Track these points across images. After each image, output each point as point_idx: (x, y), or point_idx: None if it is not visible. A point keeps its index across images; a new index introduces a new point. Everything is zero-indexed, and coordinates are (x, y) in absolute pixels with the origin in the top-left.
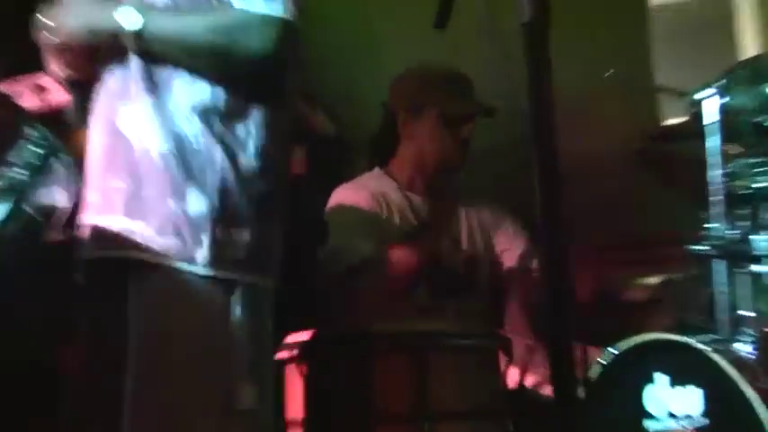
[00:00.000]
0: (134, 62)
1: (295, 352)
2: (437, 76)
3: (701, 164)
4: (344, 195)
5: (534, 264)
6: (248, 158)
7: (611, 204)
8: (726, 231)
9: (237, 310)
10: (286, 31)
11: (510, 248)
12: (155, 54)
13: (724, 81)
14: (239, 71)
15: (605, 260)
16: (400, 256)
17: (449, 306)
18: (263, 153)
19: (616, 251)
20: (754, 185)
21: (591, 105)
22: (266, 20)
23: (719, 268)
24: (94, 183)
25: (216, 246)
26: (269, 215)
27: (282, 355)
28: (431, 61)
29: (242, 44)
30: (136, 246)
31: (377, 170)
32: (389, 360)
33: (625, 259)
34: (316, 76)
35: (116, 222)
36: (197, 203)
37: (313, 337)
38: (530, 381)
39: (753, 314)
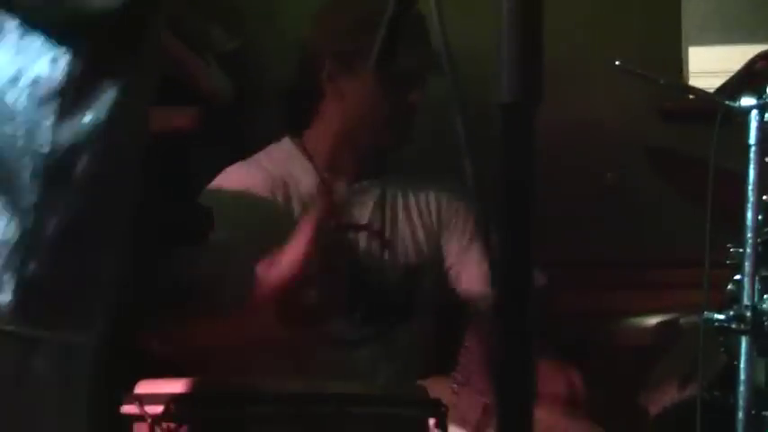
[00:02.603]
0: None
1: (151, 408)
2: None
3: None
4: (233, 177)
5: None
6: (86, 160)
7: (604, 207)
8: (758, 297)
9: (38, 374)
10: None
11: (467, 259)
12: None
13: None
14: (70, 26)
15: (585, 285)
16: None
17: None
18: (109, 153)
19: (603, 273)
20: None
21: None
22: None
23: (744, 347)
24: None
25: (24, 290)
26: (110, 242)
27: (130, 409)
28: None
29: None
30: None
31: (286, 141)
32: None
33: (616, 286)
34: None
35: None
36: (6, 226)
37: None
38: None
39: None
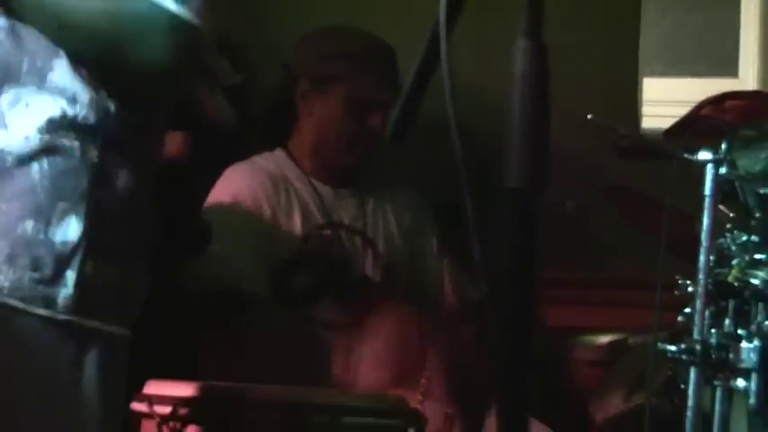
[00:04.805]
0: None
1: (160, 408)
2: (356, 45)
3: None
4: (235, 177)
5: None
6: (128, 175)
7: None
8: (706, 331)
9: (91, 368)
10: (191, 40)
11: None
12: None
13: (724, 145)
14: (118, 75)
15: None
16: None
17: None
18: (143, 167)
19: (563, 291)
20: (751, 280)
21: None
22: (174, 22)
23: (693, 377)
24: None
25: (83, 285)
26: (141, 247)
27: (140, 407)
28: (357, 24)
29: (135, 44)
30: None
31: (278, 150)
32: None
33: (566, 301)
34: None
35: None
36: (68, 229)
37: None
38: None
39: None
